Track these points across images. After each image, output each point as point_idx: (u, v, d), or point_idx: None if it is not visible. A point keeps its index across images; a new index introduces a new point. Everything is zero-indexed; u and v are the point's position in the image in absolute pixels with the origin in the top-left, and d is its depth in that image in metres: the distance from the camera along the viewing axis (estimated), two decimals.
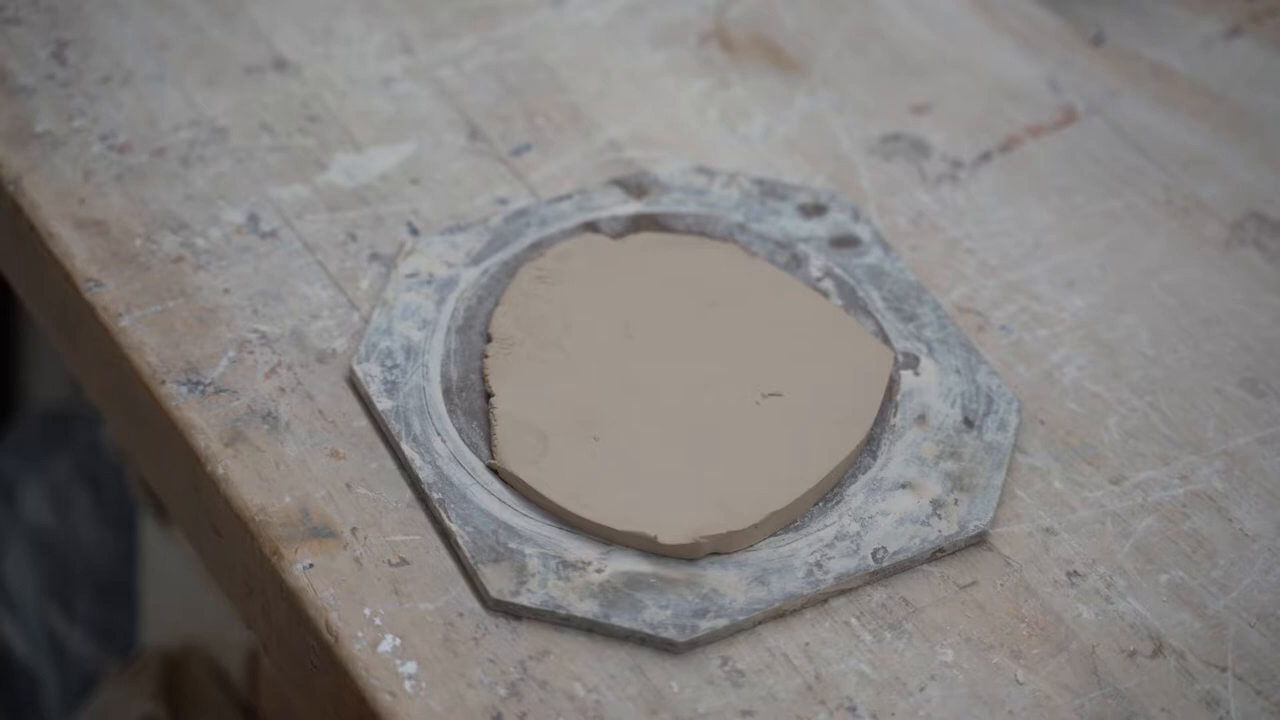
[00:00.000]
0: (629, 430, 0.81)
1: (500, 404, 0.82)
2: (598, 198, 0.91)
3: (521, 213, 0.90)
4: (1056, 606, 0.78)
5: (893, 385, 0.84)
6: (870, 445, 0.82)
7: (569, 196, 0.91)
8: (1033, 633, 0.77)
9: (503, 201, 0.92)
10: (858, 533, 0.79)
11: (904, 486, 0.81)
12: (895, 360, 0.85)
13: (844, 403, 0.82)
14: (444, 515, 0.79)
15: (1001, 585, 0.78)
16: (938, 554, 0.79)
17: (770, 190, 0.92)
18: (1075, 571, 0.79)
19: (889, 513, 0.80)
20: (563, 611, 0.76)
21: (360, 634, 0.76)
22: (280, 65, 0.97)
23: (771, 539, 0.79)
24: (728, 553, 0.78)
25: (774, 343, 0.85)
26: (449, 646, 0.76)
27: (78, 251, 0.88)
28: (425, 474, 0.80)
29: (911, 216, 0.93)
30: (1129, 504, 0.81)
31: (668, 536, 0.78)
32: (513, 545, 0.78)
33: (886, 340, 0.86)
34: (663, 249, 0.89)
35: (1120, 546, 0.80)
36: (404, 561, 0.78)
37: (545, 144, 0.95)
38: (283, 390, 0.84)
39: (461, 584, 0.78)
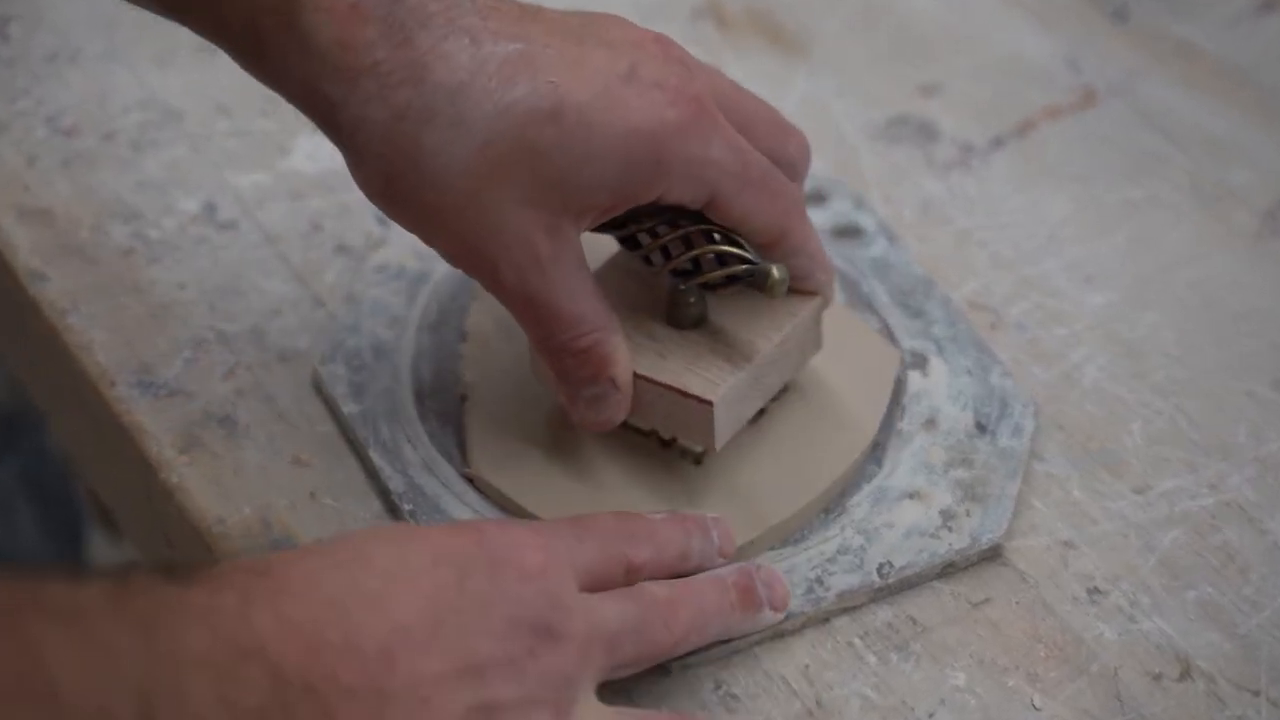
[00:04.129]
0: (614, 437, 0.80)
1: (476, 407, 0.82)
2: None
3: None
4: (1076, 626, 0.77)
5: (899, 387, 0.84)
6: (875, 452, 0.82)
7: None
8: (1050, 654, 0.77)
9: None
10: (861, 546, 0.79)
11: (911, 496, 0.80)
12: (902, 360, 0.85)
13: (847, 406, 0.82)
14: None
15: (1017, 603, 0.78)
16: (948, 569, 0.79)
17: None
18: (1096, 588, 0.79)
19: (895, 524, 0.79)
20: None
21: None
22: None
23: (769, 553, 0.78)
24: None
25: None
26: None
27: (21, 242, 0.88)
28: (395, 483, 0.80)
29: (919, 206, 0.93)
30: (1154, 515, 0.81)
31: None
32: None
33: (893, 339, 0.86)
34: None
35: (1145, 561, 0.80)
36: None
37: None
38: (242, 392, 0.83)
39: None
